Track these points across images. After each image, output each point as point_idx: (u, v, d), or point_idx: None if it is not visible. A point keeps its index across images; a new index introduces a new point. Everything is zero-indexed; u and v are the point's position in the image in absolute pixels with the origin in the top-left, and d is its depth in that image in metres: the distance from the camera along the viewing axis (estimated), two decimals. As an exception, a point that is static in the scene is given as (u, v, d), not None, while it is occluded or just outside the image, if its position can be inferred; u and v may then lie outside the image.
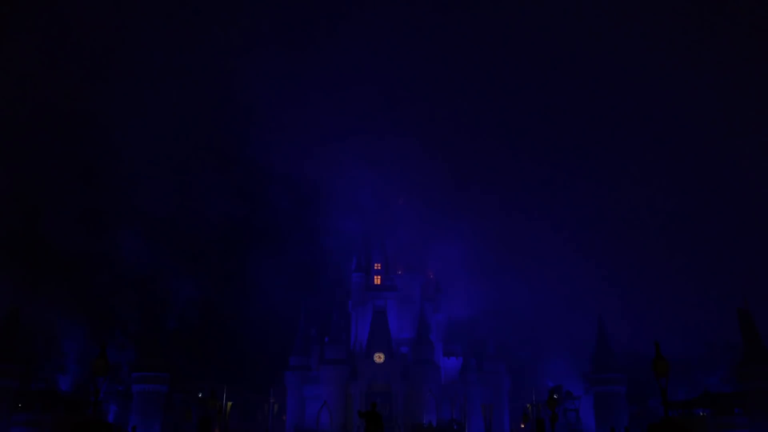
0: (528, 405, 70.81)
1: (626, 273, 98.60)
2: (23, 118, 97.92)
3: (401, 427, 73.63)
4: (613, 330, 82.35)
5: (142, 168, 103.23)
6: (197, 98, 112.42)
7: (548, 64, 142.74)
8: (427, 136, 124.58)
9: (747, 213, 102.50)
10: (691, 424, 61.44)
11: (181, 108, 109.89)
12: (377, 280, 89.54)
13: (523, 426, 70.43)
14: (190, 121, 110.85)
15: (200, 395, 72.23)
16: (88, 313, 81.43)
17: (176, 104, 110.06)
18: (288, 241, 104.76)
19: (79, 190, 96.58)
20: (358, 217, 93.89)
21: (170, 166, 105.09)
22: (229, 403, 59.41)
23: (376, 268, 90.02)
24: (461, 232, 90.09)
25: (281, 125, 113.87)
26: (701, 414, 68.71)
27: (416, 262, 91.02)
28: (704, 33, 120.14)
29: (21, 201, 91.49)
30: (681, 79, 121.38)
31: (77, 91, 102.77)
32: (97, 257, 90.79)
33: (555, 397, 49.86)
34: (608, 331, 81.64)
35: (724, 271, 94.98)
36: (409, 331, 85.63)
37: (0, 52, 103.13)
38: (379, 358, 78.82)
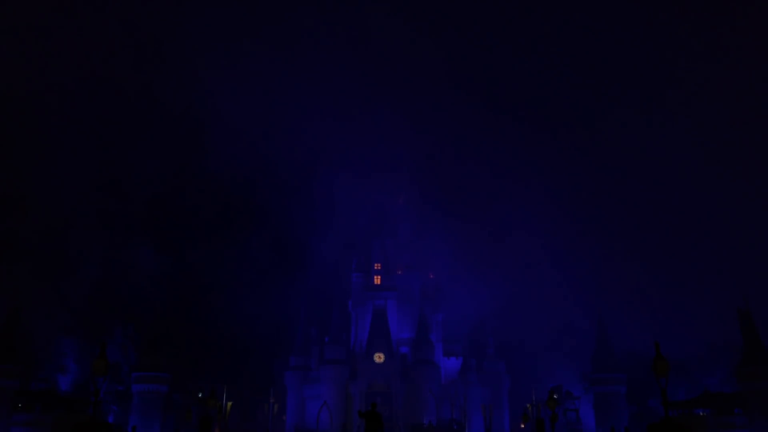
0: (528, 405, 70.82)
1: (626, 273, 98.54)
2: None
3: (401, 427, 73.61)
4: (613, 330, 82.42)
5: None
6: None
7: (544, 57, 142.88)
8: (426, 136, 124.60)
9: (747, 213, 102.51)
10: (691, 424, 61.37)
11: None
12: (377, 280, 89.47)
13: (523, 426, 70.35)
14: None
15: (200, 395, 72.09)
16: (83, 311, 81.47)
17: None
18: (287, 240, 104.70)
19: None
20: (358, 217, 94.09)
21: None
22: (229, 403, 59.40)
23: (376, 268, 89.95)
24: (461, 232, 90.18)
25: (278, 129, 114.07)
26: (701, 414, 68.72)
27: (416, 262, 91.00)
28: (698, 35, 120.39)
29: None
30: (683, 71, 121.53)
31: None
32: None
33: (555, 397, 49.84)
34: (608, 331, 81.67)
35: (724, 271, 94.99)
36: (409, 331, 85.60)
37: None
38: (379, 358, 78.79)
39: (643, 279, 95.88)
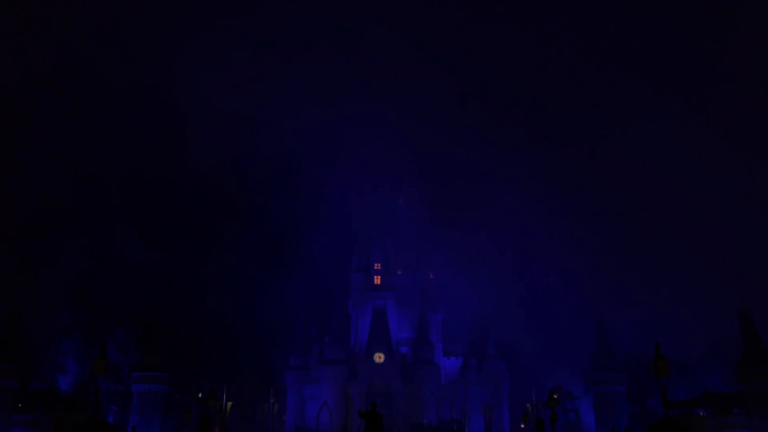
0: (528, 405, 70.75)
1: (626, 273, 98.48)
2: None
3: (401, 427, 73.57)
4: (613, 330, 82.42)
5: None
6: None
7: (543, 58, 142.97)
8: (426, 136, 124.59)
9: (747, 213, 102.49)
10: (691, 424, 61.39)
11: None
12: (377, 280, 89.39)
13: (523, 426, 70.36)
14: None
15: (200, 395, 72.19)
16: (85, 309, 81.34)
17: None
18: (285, 239, 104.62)
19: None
20: (358, 217, 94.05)
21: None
22: (229, 403, 59.29)
23: (376, 268, 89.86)
24: (461, 232, 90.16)
25: (280, 129, 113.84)
26: (701, 414, 68.73)
27: (416, 262, 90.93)
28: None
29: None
30: (684, 72, 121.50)
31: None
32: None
33: (555, 397, 49.81)
34: (608, 331, 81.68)
35: (724, 271, 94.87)
36: (409, 331, 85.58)
37: None
38: (379, 358, 78.77)
39: (643, 279, 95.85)
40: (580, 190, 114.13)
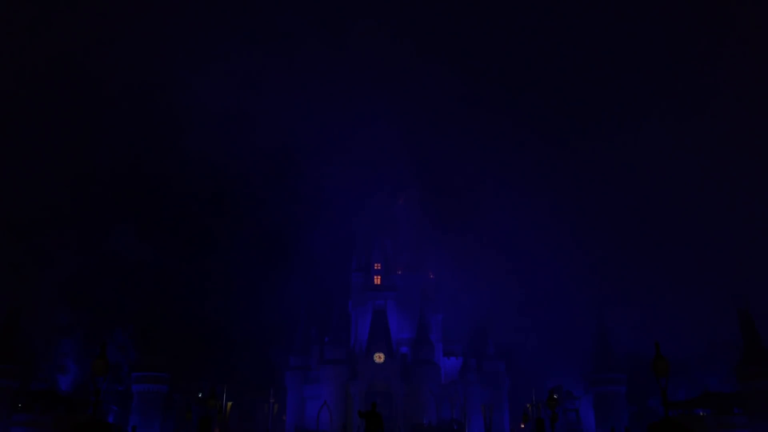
0: (528, 405, 70.74)
1: (626, 273, 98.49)
2: None
3: (401, 427, 73.57)
4: (613, 330, 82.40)
5: None
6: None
7: (544, 58, 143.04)
8: (426, 136, 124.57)
9: (747, 213, 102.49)
10: (691, 424, 61.38)
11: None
12: (377, 280, 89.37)
13: (523, 426, 70.34)
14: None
15: (200, 395, 72.18)
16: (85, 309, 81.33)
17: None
18: (287, 239, 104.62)
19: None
20: (358, 217, 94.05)
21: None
22: (229, 403, 59.30)
23: (376, 268, 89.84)
24: (461, 232, 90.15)
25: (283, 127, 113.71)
26: (701, 414, 68.75)
27: (416, 262, 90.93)
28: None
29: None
30: (683, 73, 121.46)
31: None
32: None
33: (555, 397, 49.80)
34: (608, 330, 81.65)
35: (724, 271, 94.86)
36: (409, 331, 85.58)
37: None
38: (379, 358, 78.76)
39: (643, 279, 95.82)
40: (580, 190, 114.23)
